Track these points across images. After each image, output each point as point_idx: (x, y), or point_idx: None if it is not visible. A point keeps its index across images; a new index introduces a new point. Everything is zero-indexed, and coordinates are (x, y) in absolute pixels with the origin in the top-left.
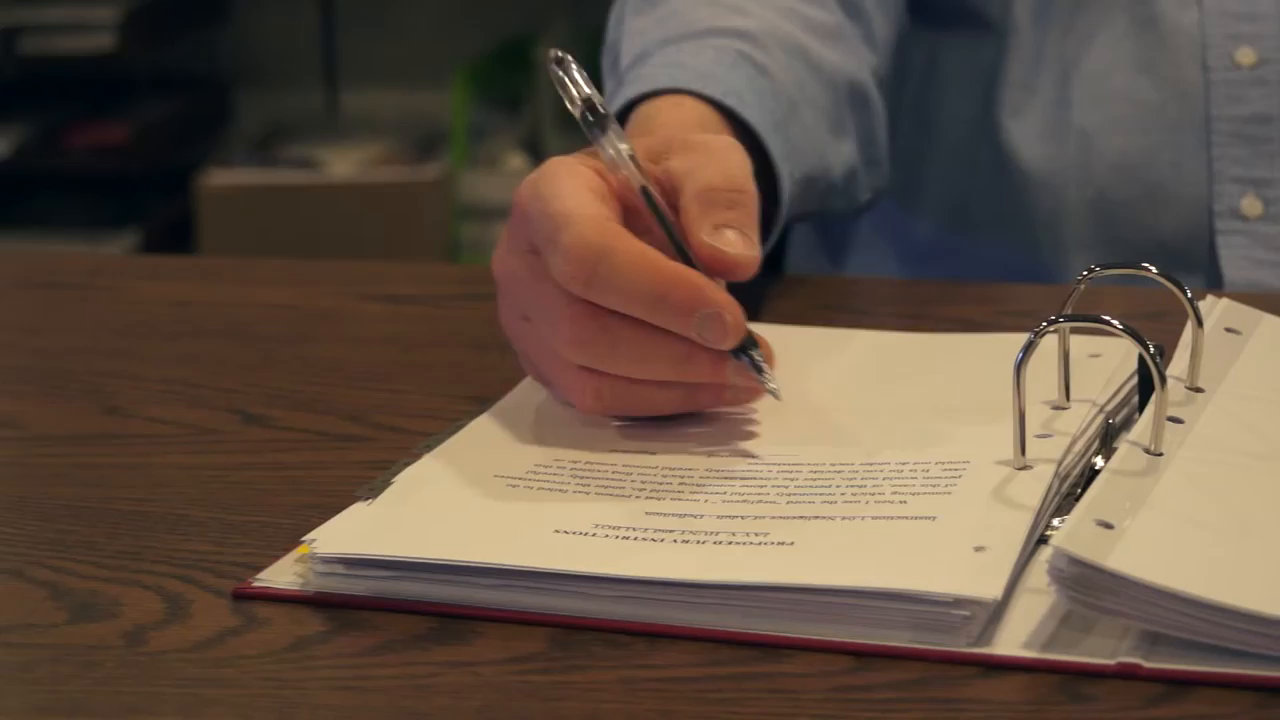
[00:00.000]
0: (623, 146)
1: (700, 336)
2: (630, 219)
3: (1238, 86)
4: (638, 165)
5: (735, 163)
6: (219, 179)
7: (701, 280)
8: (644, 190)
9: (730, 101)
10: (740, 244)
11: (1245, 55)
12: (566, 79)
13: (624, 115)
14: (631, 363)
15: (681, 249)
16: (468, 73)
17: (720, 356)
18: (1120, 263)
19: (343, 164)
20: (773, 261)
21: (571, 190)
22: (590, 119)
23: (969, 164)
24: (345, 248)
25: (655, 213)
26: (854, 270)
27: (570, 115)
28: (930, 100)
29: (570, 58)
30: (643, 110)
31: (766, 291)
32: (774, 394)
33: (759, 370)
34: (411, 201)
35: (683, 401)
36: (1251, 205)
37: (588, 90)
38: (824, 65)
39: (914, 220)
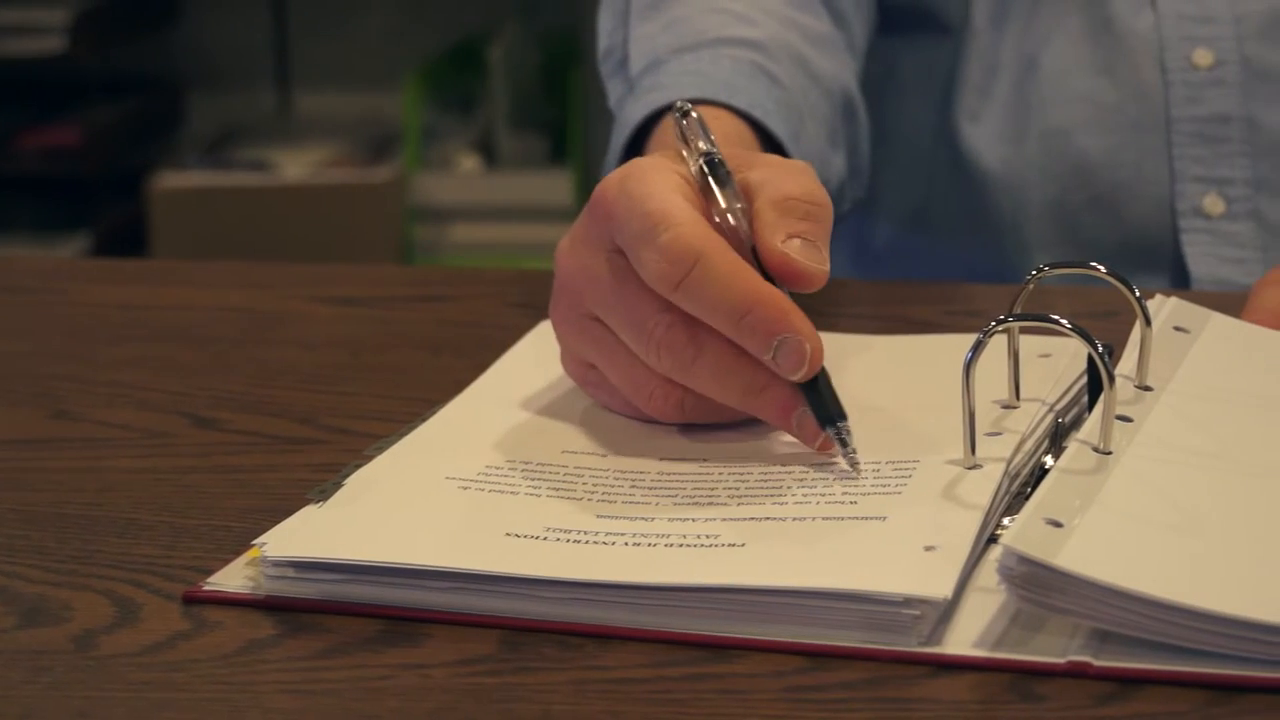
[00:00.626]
0: (739, 205)
1: (775, 362)
2: None
3: (1196, 87)
4: (750, 223)
5: (812, 178)
6: (170, 181)
7: (789, 306)
8: (754, 249)
9: (756, 113)
10: (811, 255)
11: (1202, 56)
12: (689, 130)
13: (649, 123)
14: (708, 378)
15: None
16: (420, 74)
17: (790, 401)
18: (1069, 262)
19: (295, 166)
20: None
21: (665, 193)
22: (706, 172)
23: (927, 167)
24: (297, 250)
25: (761, 273)
26: None
27: (521, 117)
28: (887, 105)
29: (694, 109)
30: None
31: None
32: (854, 466)
33: (844, 444)
34: (364, 203)
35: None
36: (1214, 204)
37: (704, 145)
38: (822, 75)
39: (872, 223)
